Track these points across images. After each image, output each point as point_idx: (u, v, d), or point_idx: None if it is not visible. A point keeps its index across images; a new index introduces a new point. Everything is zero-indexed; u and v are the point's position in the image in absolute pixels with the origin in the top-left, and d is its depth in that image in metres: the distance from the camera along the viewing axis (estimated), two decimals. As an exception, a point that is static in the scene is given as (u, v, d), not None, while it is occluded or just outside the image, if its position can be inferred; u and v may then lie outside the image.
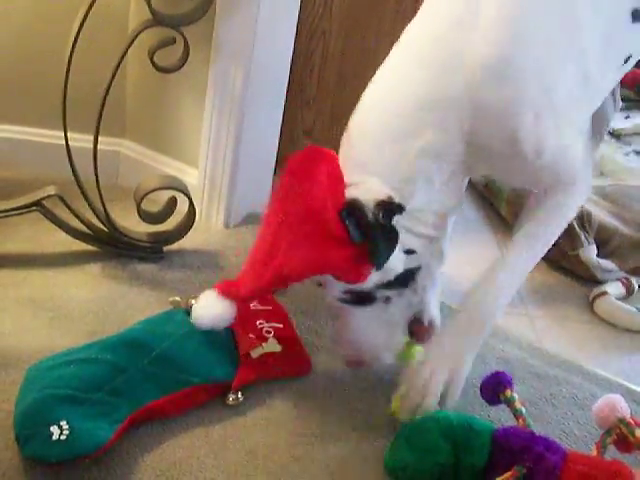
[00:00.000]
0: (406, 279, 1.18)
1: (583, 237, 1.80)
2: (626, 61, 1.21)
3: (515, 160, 1.13)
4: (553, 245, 1.69)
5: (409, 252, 1.15)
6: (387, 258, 1.09)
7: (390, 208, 1.08)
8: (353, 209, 1.07)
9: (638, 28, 1.17)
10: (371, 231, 1.07)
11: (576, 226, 1.78)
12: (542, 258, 1.79)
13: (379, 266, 1.09)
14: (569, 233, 1.69)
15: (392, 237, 1.09)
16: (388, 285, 1.16)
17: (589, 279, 1.78)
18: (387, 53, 1.92)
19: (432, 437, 1.09)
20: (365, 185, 1.09)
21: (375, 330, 1.22)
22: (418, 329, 1.28)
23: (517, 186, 1.39)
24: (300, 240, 1.08)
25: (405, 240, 1.12)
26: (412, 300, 1.23)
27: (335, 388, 1.30)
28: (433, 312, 1.29)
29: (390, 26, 1.93)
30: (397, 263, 1.13)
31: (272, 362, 1.28)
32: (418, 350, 1.30)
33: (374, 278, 1.12)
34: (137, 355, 1.18)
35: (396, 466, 1.11)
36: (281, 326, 1.38)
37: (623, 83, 1.63)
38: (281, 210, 1.13)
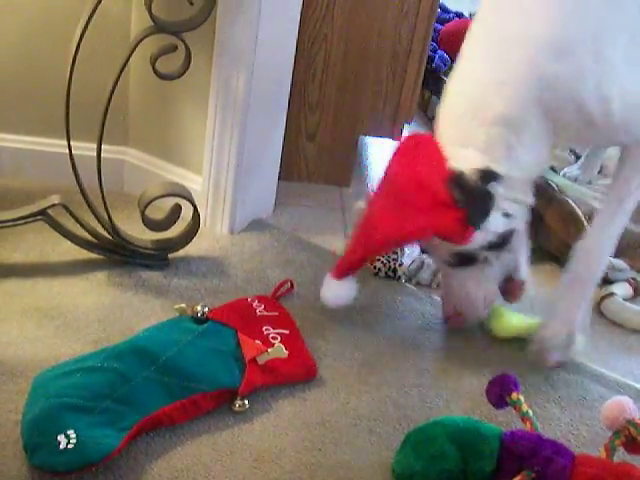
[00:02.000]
0: (503, 241, 1.34)
1: None
2: None
3: (589, 126, 1.27)
4: (564, 245, 1.68)
5: (506, 215, 1.31)
6: (484, 218, 1.27)
7: (486, 174, 1.25)
8: (456, 177, 1.25)
9: None
10: (471, 195, 1.24)
11: (587, 225, 1.77)
12: (552, 258, 1.80)
13: (478, 226, 1.26)
14: (581, 232, 1.68)
15: (488, 199, 1.26)
16: (489, 247, 1.33)
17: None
18: (389, 56, 1.94)
19: (439, 443, 1.09)
20: (463, 157, 1.26)
21: (475, 288, 1.41)
22: (512, 287, 1.44)
23: (602, 146, 1.56)
24: (413, 211, 1.26)
25: (503, 205, 1.28)
26: (507, 261, 1.39)
27: (341, 393, 1.30)
28: (525, 272, 1.44)
29: (392, 29, 1.94)
30: (497, 225, 1.30)
31: (278, 368, 1.27)
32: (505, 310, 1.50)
33: (478, 239, 1.29)
34: (143, 363, 1.18)
35: (404, 473, 1.10)
36: (287, 332, 1.38)
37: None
38: (388, 191, 1.33)
